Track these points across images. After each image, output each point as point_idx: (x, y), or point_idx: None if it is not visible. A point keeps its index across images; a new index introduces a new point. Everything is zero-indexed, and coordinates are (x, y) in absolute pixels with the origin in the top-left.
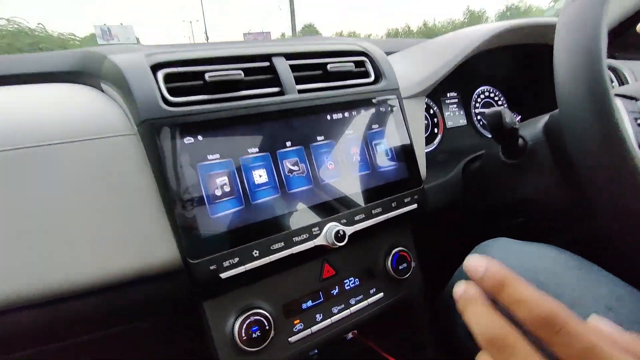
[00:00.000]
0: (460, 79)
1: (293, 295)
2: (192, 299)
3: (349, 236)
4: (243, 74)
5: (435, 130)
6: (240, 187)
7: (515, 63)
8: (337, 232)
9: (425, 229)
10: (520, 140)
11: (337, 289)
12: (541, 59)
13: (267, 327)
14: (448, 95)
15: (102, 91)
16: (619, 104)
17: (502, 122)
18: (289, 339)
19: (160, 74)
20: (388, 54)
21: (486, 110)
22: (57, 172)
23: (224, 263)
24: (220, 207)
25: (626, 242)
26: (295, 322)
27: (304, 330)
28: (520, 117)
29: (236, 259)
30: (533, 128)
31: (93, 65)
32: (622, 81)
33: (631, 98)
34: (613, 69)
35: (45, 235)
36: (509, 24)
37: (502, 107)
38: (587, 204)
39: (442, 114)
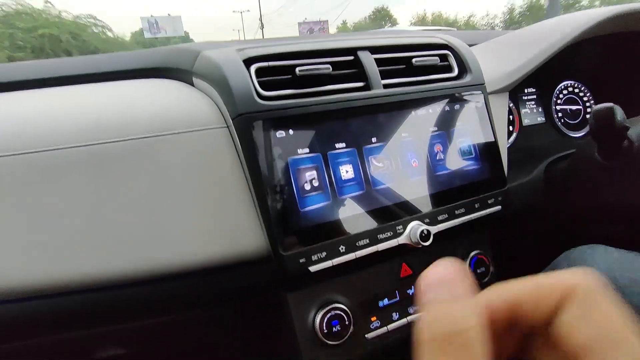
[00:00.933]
0: (540, 73)
1: (371, 292)
2: (275, 290)
3: (427, 235)
4: (331, 69)
5: (511, 128)
6: (327, 181)
7: (607, 54)
8: (422, 231)
9: (502, 232)
10: (625, 141)
11: (413, 289)
12: None
13: (346, 322)
14: (526, 91)
15: (193, 86)
16: None
17: (614, 120)
18: (366, 336)
19: (253, 69)
20: (470, 46)
21: (595, 106)
22: (155, 163)
23: (312, 257)
24: (309, 201)
25: None
26: (372, 319)
27: (381, 327)
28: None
29: (324, 254)
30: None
31: (185, 61)
32: None
33: None
34: None
35: (143, 221)
36: (617, 10)
37: (611, 104)
38: None
39: (519, 111)
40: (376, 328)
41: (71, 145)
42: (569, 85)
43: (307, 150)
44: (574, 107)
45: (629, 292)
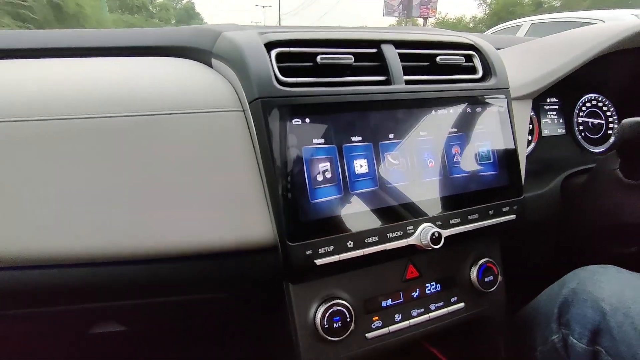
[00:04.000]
0: (564, 84)
1: (375, 292)
2: (278, 281)
3: (438, 238)
4: (353, 60)
5: (530, 137)
6: (341, 174)
7: (636, 69)
8: (433, 234)
9: (513, 242)
10: None
11: (417, 292)
12: None
13: (348, 319)
14: (548, 100)
15: (211, 67)
16: None
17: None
18: (367, 335)
19: (273, 53)
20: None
21: (624, 120)
22: (164, 141)
23: (319, 250)
24: (321, 193)
25: None
26: (374, 318)
27: (382, 328)
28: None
29: (331, 247)
30: None
31: (206, 41)
32: None
33: None
34: None
35: (152, 198)
36: None
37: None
38: None
39: (539, 121)
40: (377, 328)
41: (79, 116)
42: (592, 98)
43: (322, 140)
44: (596, 121)
45: (637, 317)
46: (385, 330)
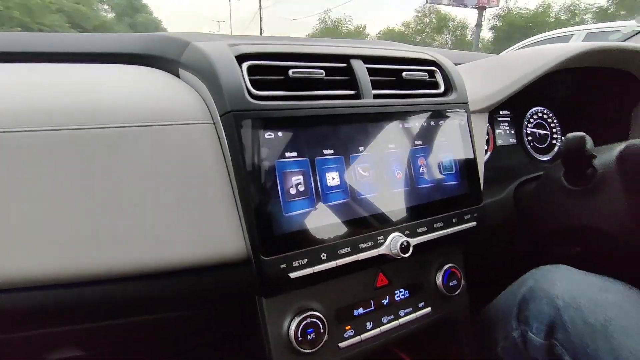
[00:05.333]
0: (515, 98)
1: (346, 301)
2: (250, 294)
3: (407, 246)
4: (324, 74)
5: (486, 147)
6: (313, 187)
7: (577, 86)
8: (402, 243)
9: (474, 247)
10: (590, 168)
11: (387, 299)
12: (612, 84)
13: (321, 330)
14: (501, 113)
15: (178, 77)
16: None
17: (584, 148)
18: (339, 344)
19: (245, 66)
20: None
21: (569, 134)
22: (134, 155)
23: (293, 263)
24: (294, 206)
25: None
26: (346, 327)
27: (354, 337)
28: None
29: (305, 260)
30: (606, 155)
31: (173, 50)
32: None
33: None
34: None
35: (117, 215)
36: (595, 46)
37: (582, 134)
38: None
39: (494, 132)
40: (350, 337)
41: (36, 129)
42: (539, 111)
43: (294, 154)
44: (542, 132)
45: (587, 311)
46: (357, 338)
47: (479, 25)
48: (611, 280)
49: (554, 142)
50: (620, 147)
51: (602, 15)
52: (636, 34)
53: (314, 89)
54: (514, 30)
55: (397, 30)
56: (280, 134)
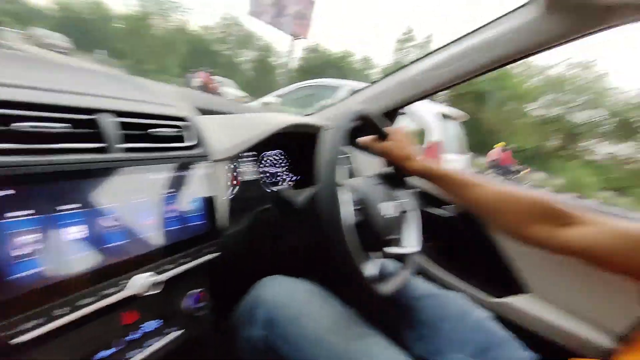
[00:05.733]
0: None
1: (90, 347)
2: None
3: (159, 283)
4: (70, 125)
5: (233, 182)
6: (48, 244)
7: (297, 139)
8: (151, 281)
9: (221, 270)
10: (291, 205)
11: (139, 333)
12: (310, 140)
13: None
14: (245, 154)
15: None
16: (344, 194)
17: (285, 195)
18: None
19: None
20: (208, 111)
21: (276, 188)
22: None
23: (18, 327)
24: (23, 267)
25: (347, 279)
26: None
27: None
28: (298, 177)
29: (32, 323)
30: (302, 197)
31: None
32: None
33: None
34: None
35: None
36: (296, 120)
37: (286, 187)
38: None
39: (239, 169)
40: None
41: None
42: (273, 153)
43: (31, 211)
44: (274, 170)
45: (288, 307)
46: None
47: (289, 52)
48: (309, 284)
49: (283, 178)
50: (310, 191)
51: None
52: (353, 93)
53: (54, 141)
54: (317, 65)
55: (194, 32)
56: (10, 191)
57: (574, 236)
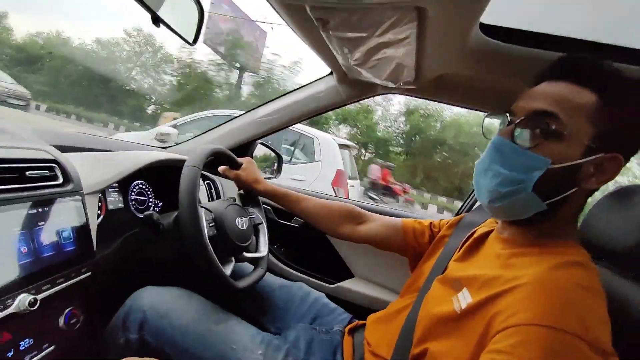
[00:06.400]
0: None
1: None
2: None
3: (34, 301)
4: None
5: (99, 211)
6: None
7: (163, 171)
8: (30, 300)
9: (94, 287)
10: (161, 226)
11: (12, 351)
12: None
13: None
14: (112, 185)
15: None
16: (202, 213)
17: (154, 221)
18: None
19: None
20: (70, 148)
21: (146, 213)
22: None
23: None
24: None
25: (209, 280)
26: None
27: None
28: (162, 202)
29: None
30: (168, 219)
31: None
32: None
33: (208, 210)
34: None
35: None
36: (159, 157)
37: (154, 212)
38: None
39: (106, 199)
40: None
41: None
42: (140, 183)
43: None
44: (141, 198)
45: (159, 308)
46: None
47: (238, 86)
48: (177, 289)
49: (150, 204)
50: (174, 214)
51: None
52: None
53: None
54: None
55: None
56: None
57: (365, 230)
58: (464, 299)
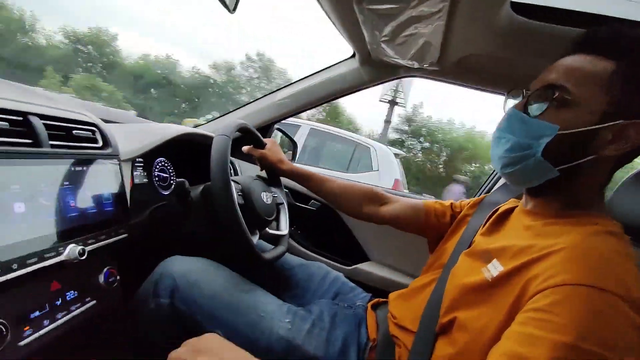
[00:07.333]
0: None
1: (25, 306)
2: None
3: (83, 252)
4: (8, 124)
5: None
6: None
7: (184, 146)
8: (79, 250)
9: (129, 251)
10: (189, 197)
11: (60, 300)
12: (200, 148)
13: (4, 333)
14: (137, 160)
15: None
16: (234, 185)
17: (184, 187)
18: (19, 343)
19: None
20: (109, 121)
21: (177, 180)
22: None
23: None
24: None
25: (238, 249)
26: (25, 328)
27: (32, 335)
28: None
29: None
30: (195, 191)
31: None
32: None
33: (236, 182)
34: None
35: None
36: (189, 130)
37: (184, 179)
38: (222, 234)
39: (133, 173)
40: (28, 336)
41: None
42: (162, 160)
43: None
44: (163, 175)
45: (188, 276)
46: (35, 335)
47: (387, 121)
48: (204, 259)
49: (171, 182)
50: (201, 187)
51: None
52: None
53: None
54: None
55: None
56: None
57: (387, 210)
58: (495, 269)
